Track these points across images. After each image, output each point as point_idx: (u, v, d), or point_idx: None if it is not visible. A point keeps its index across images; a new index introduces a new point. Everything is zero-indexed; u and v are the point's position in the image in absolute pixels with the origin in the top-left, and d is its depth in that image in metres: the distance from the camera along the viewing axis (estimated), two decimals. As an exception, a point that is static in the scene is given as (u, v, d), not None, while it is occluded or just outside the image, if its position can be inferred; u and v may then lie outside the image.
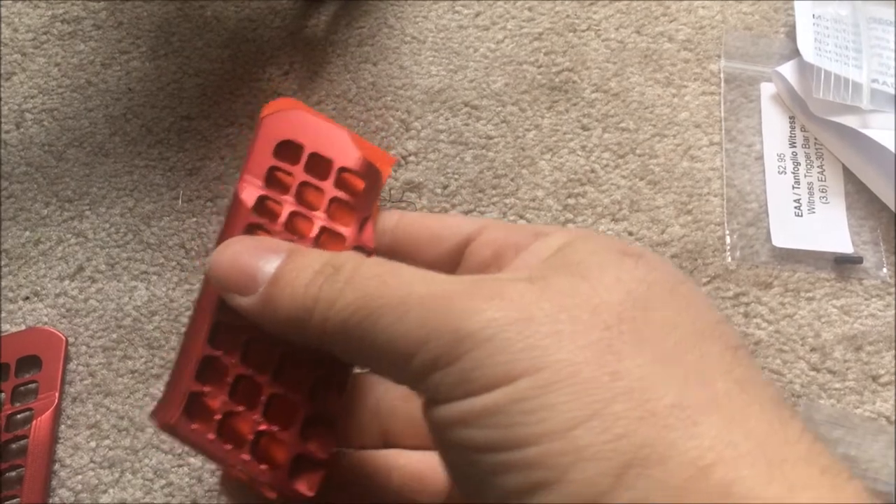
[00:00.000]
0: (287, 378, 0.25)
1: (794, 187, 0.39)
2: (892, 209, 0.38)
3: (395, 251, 0.26)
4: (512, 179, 0.39)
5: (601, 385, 0.18)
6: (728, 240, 0.38)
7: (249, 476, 0.24)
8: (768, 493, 0.17)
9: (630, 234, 0.38)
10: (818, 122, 0.40)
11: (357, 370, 0.27)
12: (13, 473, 0.33)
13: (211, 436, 0.24)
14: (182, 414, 0.24)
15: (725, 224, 0.38)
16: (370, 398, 0.30)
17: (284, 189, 0.27)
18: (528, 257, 0.23)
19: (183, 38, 0.42)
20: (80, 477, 0.33)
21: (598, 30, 0.43)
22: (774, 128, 0.40)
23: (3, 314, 0.36)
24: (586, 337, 0.19)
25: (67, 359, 0.35)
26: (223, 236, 0.26)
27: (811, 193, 0.39)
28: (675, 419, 0.18)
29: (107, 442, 0.34)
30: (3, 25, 0.43)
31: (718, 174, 0.39)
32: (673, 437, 0.18)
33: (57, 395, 0.34)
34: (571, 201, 0.39)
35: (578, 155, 0.40)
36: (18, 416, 0.34)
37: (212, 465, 0.33)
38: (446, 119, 0.40)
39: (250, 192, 0.26)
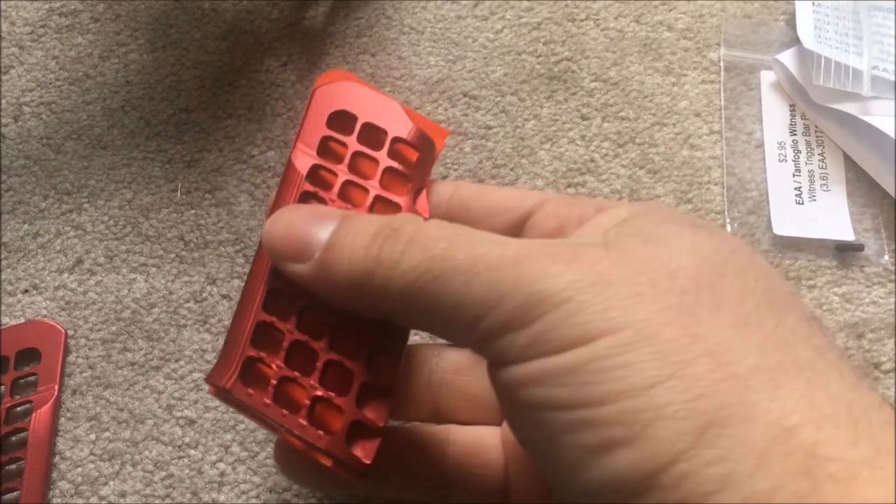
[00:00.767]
0: (343, 345, 0.25)
1: (794, 175, 0.39)
2: (893, 196, 0.37)
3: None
4: (511, 169, 0.39)
5: (682, 346, 0.18)
6: (729, 228, 0.38)
7: (305, 442, 0.24)
8: (854, 455, 0.17)
9: (630, 223, 0.38)
10: (818, 110, 0.39)
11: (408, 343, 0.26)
12: (13, 466, 0.33)
13: (267, 400, 0.24)
14: (238, 379, 0.24)
15: (726, 212, 0.38)
16: (423, 371, 0.29)
17: (338, 159, 0.27)
18: (594, 227, 0.23)
19: (181, 31, 0.42)
20: (80, 469, 0.33)
21: (597, 19, 0.43)
22: (775, 116, 0.40)
23: (3, 307, 0.36)
24: (665, 300, 0.19)
25: (67, 351, 0.35)
26: (276, 205, 0.26)
27: (812, 181, 0.38)
28: (756, 381, 0.18)
29: (107, 434, 0.34)
30: (0, 19, 0.43)
31: (718, 163, 0.39)
32: (755, 398, 0.17)
33: (56, 387, 0.34)
34: (571, 191, 0.39)
35: (578, 144, 0.40)
36: (18, 408, 0.34)
37: (212, 458, 0.33)
38: (445, 109, 0.40)
39: (304, 161, 0.26)
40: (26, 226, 0.38)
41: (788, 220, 0.38)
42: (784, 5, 0.43)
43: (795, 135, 0.40)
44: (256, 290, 0.25)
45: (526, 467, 0.28)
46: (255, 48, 0.42)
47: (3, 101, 0.40)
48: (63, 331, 0.35)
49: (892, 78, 0.39)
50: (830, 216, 0.38)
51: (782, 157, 0.39)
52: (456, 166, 0.39)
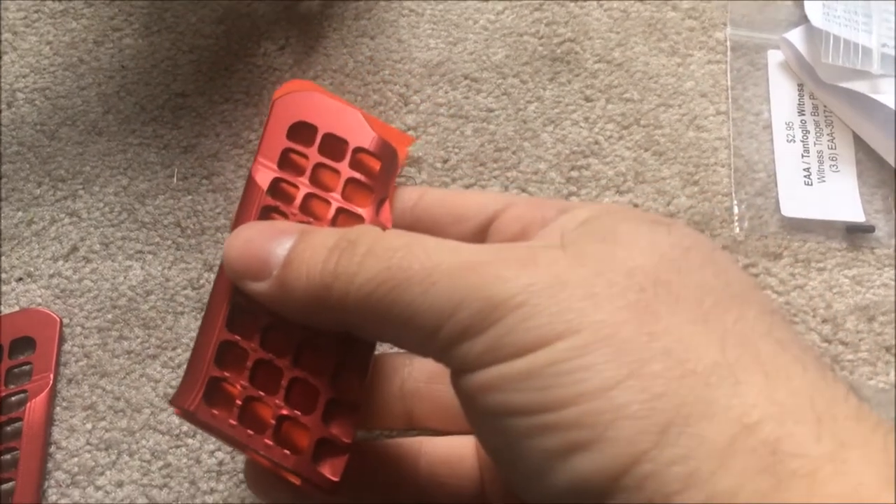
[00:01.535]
0: (308, 362, 0.24)
1: (803, 156, 0.38)
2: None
3: (415, 231, 0.26)
4: (514, 152, 0.38)
5: (639, 345, 0.18)
6: (736, 210, 0.37)
7: (272, 462, 0.23)
8: (818, 450, 0.16)
9: (635, 206, 0.37)
10: (827, 89, 0.39)
11: (380, 352, 0.26)
12: (8, 456, 0.32)
13: (232, 421, 0.24)
14: (202, 400, 0.24)
15: (733, 194, 0.37)
16: (395, 380, 0.29)
17: (299, 171, 0.26)
18: (553, 230, 0.23)
19: (176, 14, 0.41)
20: (76, 459, 0.33)
21: (601, -1, 0.42)
22: (782, 96, 0.39)
23: (-3, 296, 0.36)
24: (623, 299, 0.19)
25: (62, 340, 0.34)
26: (238, 221, 0.25)
27: (821, 162, 0.38)
28: (716, 377, 0.17)
29: (103, 423, 0.33)
30: (-7, 5, 0.42)
31: (725, 144, 0.38)
32: (715, 395, 0.17)
33: (51, 376, 0.33)
34: (575, 174, 0.38)
35: (581, 127, 0.39)
36: (12, 398, 0.33)
37: (210, 447, 0.33)
38: (446, 92, 0.39)
39: (264, 175, 0.26)
40: (20, 213, 0.37)
41: (797, 201, 0.37)
42: (791, -17, 0.42)
43: (804, 115, 0.39)
44: (219, 308, 0.24)
45: (500, 476, 0.27)
46: (251, 32, 0.41)
47: (-3, 87, 0.40)
48: (58, 319, 0.35)
49: (903, 55, 0.38)
50: (840, 197, 0.37)
51: (790, 138, 0.38)
52: (457, 150, 0.38)
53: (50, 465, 0.33)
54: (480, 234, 0.26)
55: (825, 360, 0.34)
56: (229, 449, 0.33)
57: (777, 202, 0.37)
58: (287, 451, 0.24)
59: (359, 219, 0.26)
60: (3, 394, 0.33)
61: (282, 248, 0.23)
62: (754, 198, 0.37)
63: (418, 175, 0.38)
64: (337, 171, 0.27)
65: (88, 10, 0.41)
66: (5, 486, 0.32)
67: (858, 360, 0.34)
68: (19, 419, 0.33)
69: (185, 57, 0.40)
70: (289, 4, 0.41)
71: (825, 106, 0.39)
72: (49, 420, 0.33)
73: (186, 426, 0.33)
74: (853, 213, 0.36)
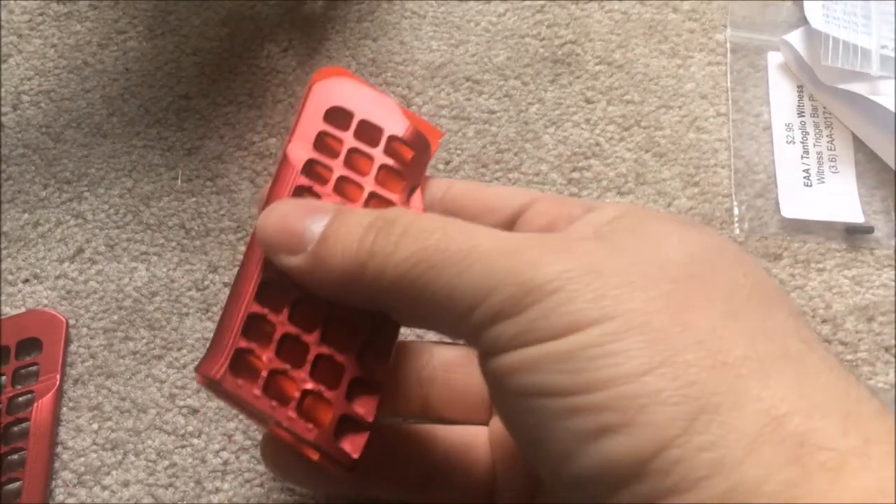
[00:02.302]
0: (334, 339, 0.25)
1: (802, 157, 0.38)
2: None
3: None
4: (515, 154, 0.39)
5: (673, 335, 0.18)
6: (736, 211, 0.37)
7: (293, 435, 0.24)
8: (844, 445, 0.17)
9: (636, 207, 0.38)
10: (827, 91, 0.39)
11: (399, 338, 0.26)
12: (15, 456, 0.33)
13: (257, 392, 0.24)
14: (227, 369, 0.24)
15: (733, 195, 0.37)
16: (414, 367, 0.30)
17: (333, 154, 0.27)
18: (584, 224, 0.23)
19: (180, 17, 0.41)
20: (82, 459, 0.33)
21: (601, 1, 0.42)
22: (782, 97, 0.39)
23: (3, 297, 0.36)
24: (657, 289, 0.19)
25: (68, 341, 0.35)
26: (270, 198, 0.25)
27: (820, 163, 0.38)
28: (747, 370, 0.18)
29: (109, 424, 0.34)
30: (-2, 7, 0.42)
31: (725, 145, 0.39)
32: (746, 387, 0.18)
33: (58, 377, 0.34)
34: (576, 175, 0.38)
35: (583, 128, 0.39)
36: (20, 398, 0.34)
37: (215, 447, 0.33)
38: (448, 94, 0.40)
39: (299, 155, 0.26)
40: (26, 215, 0.37)
41: (797, 202, 0.37)
42: (791, -15, 0.42)
43: (803, 116, 0.39)
44: (249, 280, 0.25)
45: (513, 466, 0.28)
46: (255, 34, 0.41)
47: (2, 89, 0.40)
48: (64, 320, 0.35)
49: (902, 57, 0.38)
50: (839, 198, 0.37)
51: (790, 139, 0.38)
52: (459, 151, 0.38)
53: (57, 464, 0.33)
54: (507, 227, 0.27)
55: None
56: (235, 448, 0.33)
57: (777, 203, 0.37)
58: (310, 425, 0.24)
59: (390, 204, 0.27)
60: (11, 394, 0.33)
61: (317, 224, 0.23)
62: (754, 199, 0.37)
63: (421, 177, 0.38)
64: (370, 157, 0.27)
65: (92, 13, 0.42)
66: (13, 486, 0.32)
67: (858, 361, 0.35)
68: (26, 419, 0.33)
69: (189, 59, 0.40)
70: (292, 7, 0.42)
71: (825, 107, 0.39)
72: (56, 420, 0.33)
73: (192, 426, 0.33)
74: (852, 214, 0.37)
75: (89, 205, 0.37)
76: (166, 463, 0.33)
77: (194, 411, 0.34)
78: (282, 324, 0.24)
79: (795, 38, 0.40)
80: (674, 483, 0.17)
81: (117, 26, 0.41)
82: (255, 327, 0.24)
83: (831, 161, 0.38)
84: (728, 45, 0.41)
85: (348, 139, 0.27)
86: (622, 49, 0.41)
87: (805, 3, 0.40)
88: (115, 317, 0.35)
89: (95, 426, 0.33)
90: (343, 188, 0.26)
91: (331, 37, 0.41)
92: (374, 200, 0.27)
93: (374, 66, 0.40)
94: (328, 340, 0.25)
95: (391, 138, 0.27)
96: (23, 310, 0.35)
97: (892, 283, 0.36)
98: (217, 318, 0.35)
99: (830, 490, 0.16)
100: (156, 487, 0.32)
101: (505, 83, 0.40)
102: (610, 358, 0.18)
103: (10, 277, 0.36)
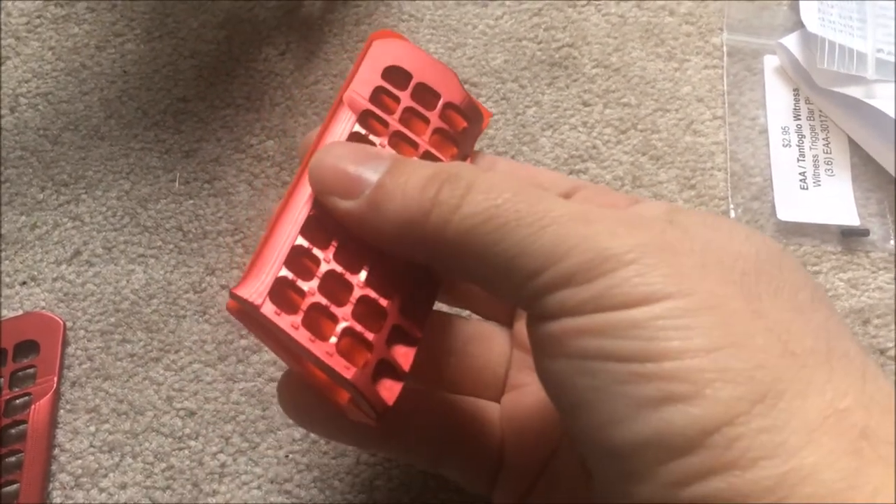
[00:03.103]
0: (377, 285, 0.24)
1: (798, 160, 0.38)
2: (899, 180, 0.37)
3: None
4: (513, 156, 0.39)
5: (745, 319, 0.19)
6: (733, 214, 0.37)
7: (329, 372, 0.22)
8: None
9: (633, 209, 0.38)
10: (823, 94, 0.39)
11: None
12: (13, 458, 0.33)
13: (295, 323, 0.22)
14: (268, 298, 0.22)
15: (729, 198, 0.38)
16: (431, 336, 0.29)
17: (389, 111, 0.26)
18: (649, 209, 0.24)
19: (178, 20, 0.42)
20: (79, 461, 0.33)
21: (598, 4, 0.42)
22: (778, 101, 0.40)
23: (1, 299, 0.36)
24: (730, 276, 0.20)
25: (65, 343, 0.35)
26: (322, 139, 0.25)
27: (816, 166, 0.38)
28: (813, 362, 0.18)
29: (106, 426, 0.34)
30: (-4, 10, 0.42)
31: (722, 148, 0.39)
32: (811, 378, 0.18)
33: (55, 379, 0.34)
34: (573, 178, 0.38)
35: (580, 131, 0.39)
36: (17, 400, 0.34)
37: (213, 449, 0.33)
38: (445, 97, 0.40)
39: (356, 103, 0.25)
40: (24, 217, 0.37)
41: (793, 205, 0.37)
42: (787, -11, 0.42)
43: (800, 119, 0.39)
44: (296, 212, 0.23)
45: (523, 445, 0.28)
46: (252, 37, 0.41)
47: (0, 92, 0.40)
48: (61, 322, 0.35)
49: (897, 61, 0.38)
50: (835, 201, 0.37)
51: (786, 142, 0.39)
52: (456, 154, 0.39)
53: (54, 467, 0.33)
54: None
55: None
56: (232, 451, 0.33)
57: (773, 206, 0.37)
58: (348, 364, 0.22)
59: None
60: (8, 397, 0.33)
61: (375, 170, 0.22)
62: (750, 202, 0.37)
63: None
64: (426, 119, 0.27)
65: (90, 16, 0.42)
66: (10, 488, 0.32)
67: (853, 363, 0.35)
68: (24, 422, 0.33)
69: (187, 62, 0.41)
70: (290, 9, 0.42)
71: (820, 110, 0.39)
72: (53, 422, 0.33)
73: (189, 428, 0.33)
74: (848, 216, 0.37)
75: (87, 207, 0.37)
76: (164, 465, 0.33)
77: (192, 413, 0.34)
78: (326, 260, 0.23)
79: (791, 41, 0.40)
80: (731, 459, 0.17)
81: (115, 29, 0.41)
82: (297, 260, 0.23)
83: (827, 164, 0.38)
84: (724, 48, 0.41)
85: (405, 98, 0.26)
86: (619, 52, 0.41)
87: (801, 6, 0.40)
88: (113, 319, 0.35)
89: (93, 428, 0.33)
90: (397, 144, 0.26)
91: (328, 40, 0.41)
92: (428, 160, 0.25)
93: (371, 69, 0.40)
94: (372, 284, 0.23)
95: (447, 105, 0.27)
96: (20, 312, 0.36)
97: (888, 286, 0.36)
98: (214, 320, 0.35)
99: (889, 482, 0.16)
100: (153, 490, 0.32)
101: (502, 86, 0.40)
102: (682, 331, 0.18)
103: (7, 280, 0.36)
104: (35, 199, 0.38)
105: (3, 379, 0.34)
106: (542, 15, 0.42)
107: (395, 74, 0.27)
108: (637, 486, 0.18)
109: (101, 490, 0.33)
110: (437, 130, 0.27)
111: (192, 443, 0.33)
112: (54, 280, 0.36)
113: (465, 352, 0.29)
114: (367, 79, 0.26)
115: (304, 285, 0.23)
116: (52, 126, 0.39)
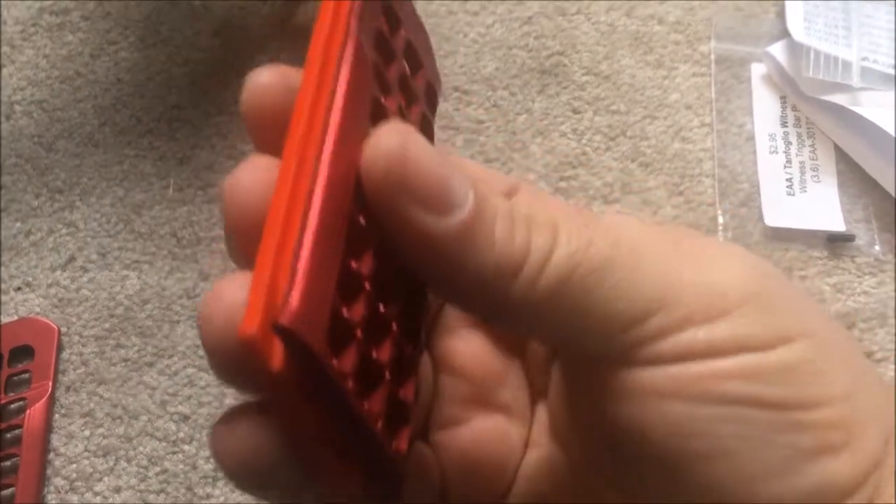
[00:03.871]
0: (391, 303, 0.18)
1: (785, 167, 0.39)
2: (883, 186, 0.38)
3: None
4: (503, 163, 0.39)
5: (855, 362, 0.19)
6: (720, 220, 0.38)
7: (367, 448, 0.17)
8: None
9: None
10: (809, 102, 0.39)
11: None
12: (8, 463, 0.33)
13: (350, 382, 0.16)
14: (326, 340, 0.15)
15: (717, 204, 0.38)
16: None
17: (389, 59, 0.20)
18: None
19: (171, 28, 0.42)
20: (74, 465, 0.33)
21: (588, 13, 0.43)
22: (765, 108, 0.40)
23: (-4, 305, 0.36)
24: (822, 319, 0.20)
25: (60, 348, 0.35)
26: (342, 106, 0.17)
27: (803, 172, 0.39)
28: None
29: (101, 430, 0.34)
30: (-9, 18, 0.43)
31: (710, 155, 0.39)
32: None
33: (50, 384, 0.34)
34: (563, 184, 0.39)
35: (569, 138, 0.40)
36: (12, 405, 0.34)
37: (206, 453, 0.33)
38: (437, 104, 0.40)
39: (363, 56, 0.18)
40: (19, 224, 0.38)
41: (780, 211, 0.38)
42: (774, -2, 0.43)
43: (786, 126, 0.40)
44: (335, 222, 0.16)
45: (475, 491, 0.23)
46: (246, 45, 0.42)
47: (-5, 99, 0.40)
48: (56, 328, 0.35)
49: (882, 69, 0.39)
50: (821, 207, 0.38)
51: (773, 149, 0.39)
52: (448, 161, 0.39)
53: (49, 471, 0.33)
54: None
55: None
56: (225, 455, 0.33)
57: (760, 212, 0.38)
58: (395, 438, 0.18)
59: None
60: (3, 401, 0.34)
61: (463, 188, 0.16)
62: (738, 208, 0.38)
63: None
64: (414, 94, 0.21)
65: (85, 24, 0.42)
66: (5, 493, 0.32)
67: (839, 366, 0.35)
68: (19, 426, 0.33)
69: (181, 70, 0.41)
70: (283, 17, 0.42)
71: (807, 118, 0.40)
72: (48, 427, 0.34)
73: (183, 433, 0.34)
74: (834, 222, 0.37)
75: (81, 214, 0.38)
76: (158, 469, 0.33)
77: (185, 418, 0.34)
78: (367, 283, 0.17)
79: (778, 49, 0.41)
80: (886, 499, 0.17)
81: (109, 37, 0.42)
82: (347, 287, 0.16)
83: (813, 170, 0.39)
84: (712, 56, 0.42)
85: (399, 65, 0.21)
86: (608, 60, 0.42)
87: (787, 15, 0.41)
88: (107, 324, 0.36)
89: (87, 433, 0.34)
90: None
91: (321, 47, 0.42)
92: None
93: (363, 77, 0.41)
94: (400, 318, 0.18)
95: (409, 44, 0.21)
96: (15, 318, 0.36)
97: (873, 291, 0.36)
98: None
99: None
100: (147, 493, 0.33)
101: (493, 94, 0.41)
102: (825, 375, 0.18)
103: (2, 286, 0.36)
104: (30, 205, 0.38)
105: (-2, 384, 0.34)
106: (533, 23, 0.42)
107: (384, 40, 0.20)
108: None
109: (96, 494, 0.33)
110: (402, 80, 0.21)
111: (186, 447, 0.34)
112: (49, 286, 0.36)
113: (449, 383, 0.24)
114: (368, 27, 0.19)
115: (349, 316, 0.16)
116: (47, 133, 0.40)
